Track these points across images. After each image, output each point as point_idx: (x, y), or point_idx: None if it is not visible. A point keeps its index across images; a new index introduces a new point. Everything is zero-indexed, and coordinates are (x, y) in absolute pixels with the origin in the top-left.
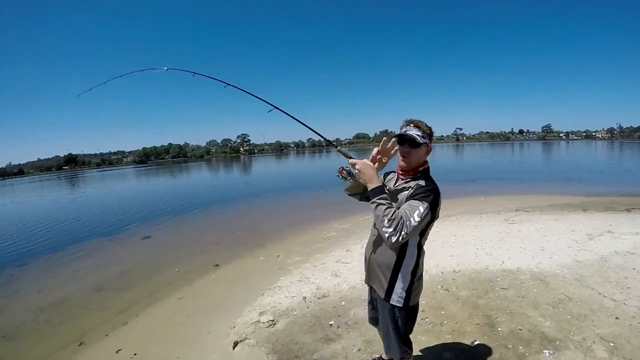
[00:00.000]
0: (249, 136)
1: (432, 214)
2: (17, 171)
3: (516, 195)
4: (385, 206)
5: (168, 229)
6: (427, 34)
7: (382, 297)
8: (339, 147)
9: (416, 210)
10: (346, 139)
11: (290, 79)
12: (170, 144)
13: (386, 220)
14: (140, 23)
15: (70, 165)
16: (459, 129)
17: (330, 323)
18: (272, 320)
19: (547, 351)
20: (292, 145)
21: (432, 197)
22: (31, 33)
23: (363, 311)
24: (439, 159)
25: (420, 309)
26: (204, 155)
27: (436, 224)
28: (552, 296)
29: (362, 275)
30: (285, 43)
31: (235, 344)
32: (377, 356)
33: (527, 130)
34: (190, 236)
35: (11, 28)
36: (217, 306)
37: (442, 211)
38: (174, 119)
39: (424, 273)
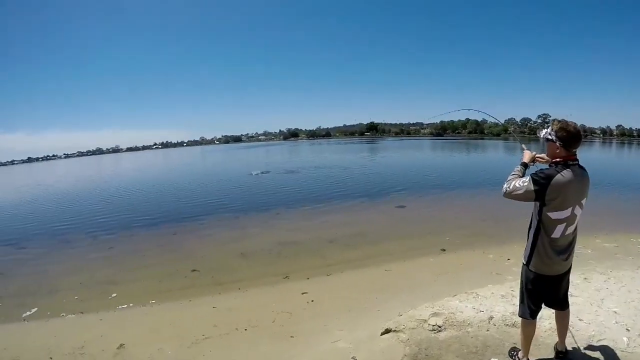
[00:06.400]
0: (550, 116)
1: (535, 189)
2: (324, 133)
3: None
4: (512, 172)
5: (423, 202)
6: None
7: None
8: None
9: (523, 180)
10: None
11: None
12: (467, 119)
13: (506, 181)
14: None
15: (372, 132)
16: None
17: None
18: (439, 327)
19: None
20: (599, 131)
21: (539, 176)
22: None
23: None
24: None
25: None
26: (501, 133)
27: None
28: None
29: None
30: None
31: (387, 332)
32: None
33: None
34: (436, 215)
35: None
36: (407, 289)
37: None
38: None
39: None
